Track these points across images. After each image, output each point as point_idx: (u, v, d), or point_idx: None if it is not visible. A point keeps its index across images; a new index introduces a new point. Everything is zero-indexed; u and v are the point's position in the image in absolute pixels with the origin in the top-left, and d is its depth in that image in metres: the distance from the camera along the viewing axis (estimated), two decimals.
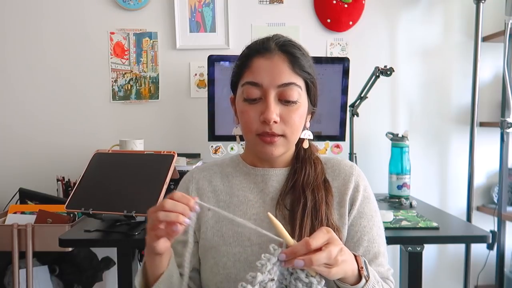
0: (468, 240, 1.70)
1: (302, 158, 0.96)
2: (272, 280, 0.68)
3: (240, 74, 0.90)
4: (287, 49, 0.87)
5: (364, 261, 0.80)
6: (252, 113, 0.87)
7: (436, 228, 1.44)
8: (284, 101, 0.86)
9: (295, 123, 0.88)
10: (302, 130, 0.93)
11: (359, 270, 0.77)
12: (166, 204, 0.73)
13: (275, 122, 0.86)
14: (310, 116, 0.96)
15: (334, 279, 0.74)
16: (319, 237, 0.70)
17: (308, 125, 0.95)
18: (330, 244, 0.70)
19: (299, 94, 0.87)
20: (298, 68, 0.87)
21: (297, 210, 0.88)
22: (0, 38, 2.08)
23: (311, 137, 0.96)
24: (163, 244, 0.77)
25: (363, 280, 0.77)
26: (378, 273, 0.89)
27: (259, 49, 0.88)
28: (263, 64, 0.86)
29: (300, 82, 0.88)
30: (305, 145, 0.96)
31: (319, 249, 0.69)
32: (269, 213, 0.74)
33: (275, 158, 0.93)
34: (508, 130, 2.01)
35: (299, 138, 0.94)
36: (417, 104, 2.19)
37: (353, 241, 0.91)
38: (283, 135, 0.88)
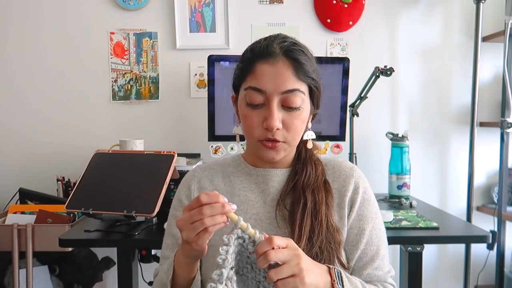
0: (468, 240, 1.70)
1: (303, 159, 0.96)
2: (232, 268, 0.70)
3: (243, 78, 0.89)
4: (292, 54, 0.86)
5: (339, 273, 0.80)
6: (255, 119, 0.86)
7: (436, 228, 1.44)
8: (287, 107, 0.86)
9: (297, 129, 0.88)
10: (304, 132, 0.93)
11: (332, 283, 0.77)
12: (202, 199, 0.72)
13: (278, 129, 0.86)
14: (312, 117, 0.96)
15: None
16: (281, 239, 0.71)
17: (310, 125, 0.95)
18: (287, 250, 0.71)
19: (302, 100, 0.87)
20: (303, 74, 0.86)
21: (297, 210, 0.88)
22: (1, 38, 2.08)
23: (314, 136, 0.97)
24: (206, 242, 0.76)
25: None
26: (375, 277, 0.90)
27: (262, 53, 0.86)
28: (267, 70, 0.85)
29: (304, 88, 0.87)
30: (309, 145, 0.96)
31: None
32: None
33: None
34: (508, 130, 2.01)
35: (302, 139, 0.94)
36: (417, 104, 2.19)
37: (352, 243, 0.91)
38: (284, 141, 0.88)
